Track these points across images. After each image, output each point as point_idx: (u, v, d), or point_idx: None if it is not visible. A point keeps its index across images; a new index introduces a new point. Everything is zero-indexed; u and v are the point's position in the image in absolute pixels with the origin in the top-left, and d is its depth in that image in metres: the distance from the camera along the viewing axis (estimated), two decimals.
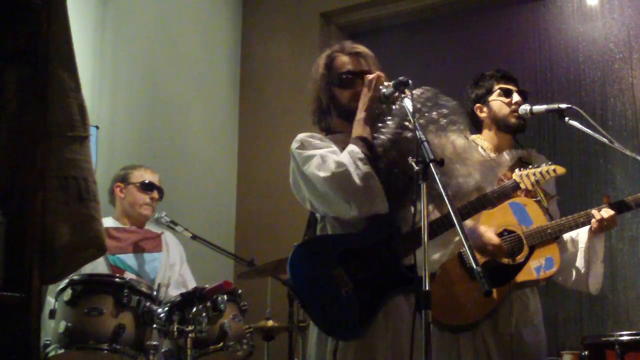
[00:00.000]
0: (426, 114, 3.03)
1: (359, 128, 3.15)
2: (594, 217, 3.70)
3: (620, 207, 3.74)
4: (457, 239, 3.39)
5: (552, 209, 3.91)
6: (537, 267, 3.69)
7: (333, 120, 3.39)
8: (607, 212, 3.70)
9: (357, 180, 2.98)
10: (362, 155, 3.02)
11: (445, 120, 3.05)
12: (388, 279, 3.06)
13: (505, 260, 3.69)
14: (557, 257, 3.71)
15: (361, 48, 3.38)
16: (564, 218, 3.76)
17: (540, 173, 3.56)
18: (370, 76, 3.21)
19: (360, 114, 3.17)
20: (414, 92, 2.99)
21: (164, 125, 6.10)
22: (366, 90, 3.19)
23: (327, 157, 3.07)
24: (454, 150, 3.05)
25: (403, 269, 3.07)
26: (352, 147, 3.07)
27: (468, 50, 6.38)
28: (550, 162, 3.65)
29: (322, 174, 3.03)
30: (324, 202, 3.12)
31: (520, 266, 3.69)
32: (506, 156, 3.91)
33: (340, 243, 3.14)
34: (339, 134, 3.31)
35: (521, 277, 3.69)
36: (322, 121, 3.42)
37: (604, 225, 3.72)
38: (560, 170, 3.61)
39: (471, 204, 3.27)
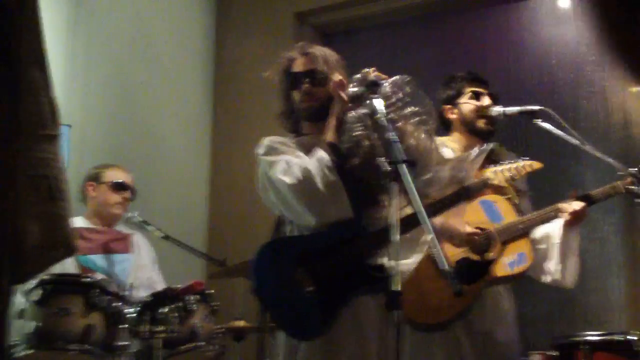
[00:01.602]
0: (400, 109, 3.04)
1: (329, 134, 3.16)
2: (567, 210, 3.72)
3: (587, 199, 3.76)
4: (427, 238, 3.40)
5: (525, 205, 3.93)
6: (510, 262, 3.71)
7: (299, 122, 3.40)
8: (578, 204, 3.72)
9: (321, 187, 2.99)
10: (329, 163, 3.03)
11: (416, 119, 3.06)
12: (351, 279, 3.06)
13: (477, 257, 3.70)
14: (529, 252, 3.74)
15: (313, 49, 3.38)
16: (534, 213, 3.79)
17: (516, 169, 3.55)
18: (332, 84, 3.22)
19: (332, 120, 3.18)
20: (392, 79, 3.02)
21: (136, 125, 6.07)
22: (336, 98, 3.20)
23: (292, 162, 3.08)
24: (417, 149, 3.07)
25: (368, 269, 3.07)
26: (320, 154, 3.07)
27: (442, 51, 6.39)
28: (526, 158, 3.65)
29: (287, 179, 3.04)
30: (287, 208, 3.13)
31: (492, 262, 3.71)
32: (473, 153, 3.90)
33: (303, 243, 3.15)
34: (305, 137, 3.32)
35: (494, 273, 3.70)
36: (289, 124, 3.43)
37: (578, 217, 3.74)
38: (537, 165, 3.60)
39: (447, 197, 3.26)
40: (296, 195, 3.03)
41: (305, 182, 3.00)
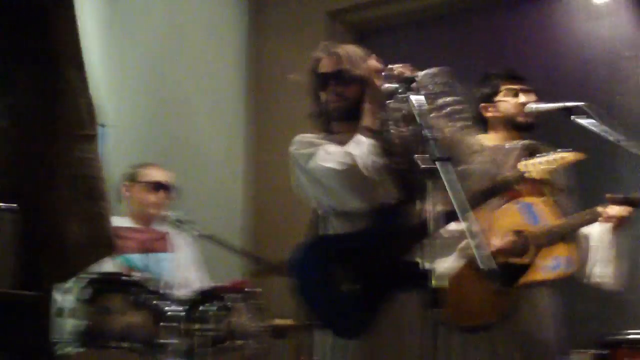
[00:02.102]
0: (432, 100, 3.03)
1: (366, 118, 3.16)
2: (605, 215, 3.68)
3: (625, 202, 3.71)
4: (462, 245, 3.39)
5: (565, 203, 3.89)
6: (545, 266, 3.67)
7: (330, 122, 3.40)
8: (616, 209, 3.68)
9: (365, 170, 2.98)
10: (371, 146, 3.03)
11: (449, 109, 3.06)
12: (389, 276, 3.06)
13: (514, 260, 3.68)
14: (565, 255, 3.70)
15: (336, 48, 3.38)
16: (570, 217, 3.75)
17: (553, 160, 3.49)
18: (366, 68, 3.22)
19: (367, 105, 3.18)
20: (425, 71, 3.01)
21: (172, 124, 6.12)
22: (369, 83, 3.21)
23: (332, 149, 3.09)
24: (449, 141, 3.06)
25: (406, 266, 3.07)
26: (360, 138, 3.08)
27: (476, 48, 6.36)
28: (560, 150, 3.60)
29: (328, 165, 3.04)
30: (331, 195, 3.13)
31: (528, 266, 3.68)
32: (508, 144, 3.86)
33: (342, 242, 3.15)
34: (336, 135, 3.32)
35: (530, 277, 3.67)
36: (320, 124, 3.43)
37: (619, 221, 3.70)
38: (574, 156, 3.55)
39: (477, 194, 3.24)
40: (341, 181, 3.03)
41: (349, 167, 3.00)
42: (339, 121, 3.32)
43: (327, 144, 3.16)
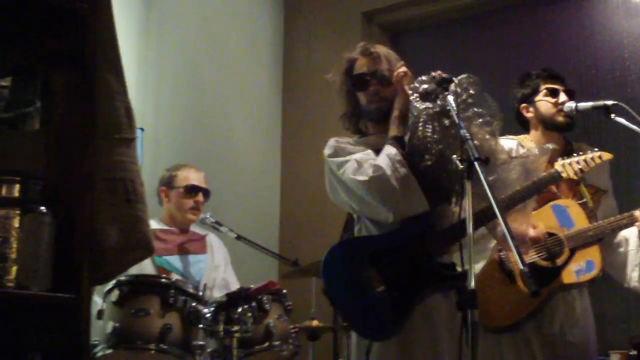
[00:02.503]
0: (463, 110, 3.02)
1: (394, 128, 3.15)
2: (638, 220, 3.66)
3: None
4: (492, 245, 3.36)
5: (608, 203, 3.86)
6: (577, 270, 3.66)
7: (363, 122, 3.40)
8: None
9: (395, 183, 2.98)
10: (400, 157, 3.02)
11: (480, 120, 3.04)
12: (421, 277, 3.06)
13: (546, 263, 3.66)
14: (598, 260, 3.67)
15: (375, 48, 3.37)
16: (606, 220, 3.71)
17: (585, 161, 3.48)
18: (395, 76, 3.21)
19: (395, 113, 3.17)
20: (458, 78, 3.00)
21: (208, 127, 6.15)
22: (399, 89, 3.19)
23: (363, 161, 3.08)
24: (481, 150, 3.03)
25: (438, 267, 3.06)
26: (389, 149, 3.06)
27: (512, 48, 6.34)
28: (595, 149, 3.58)
29: (359, 177, 3.04)
30: (362, 205, 3.13)
31: (560, 269, 3.66)
32: (536, 150, 3.84)
33: (373, 243, 3.15)
34: (370, 136, 3.32)
35: (562, 280, 3.65)
36: (353, 125, 3.43)
37: None
38: (607, 156, 3.53)
39: (510, 197, 3.22)
40: (371, 193, 3.03)
41: (378, 179, 3.00)
42: (375, 122, 3.32)
43: (358, 153, 3.15)
